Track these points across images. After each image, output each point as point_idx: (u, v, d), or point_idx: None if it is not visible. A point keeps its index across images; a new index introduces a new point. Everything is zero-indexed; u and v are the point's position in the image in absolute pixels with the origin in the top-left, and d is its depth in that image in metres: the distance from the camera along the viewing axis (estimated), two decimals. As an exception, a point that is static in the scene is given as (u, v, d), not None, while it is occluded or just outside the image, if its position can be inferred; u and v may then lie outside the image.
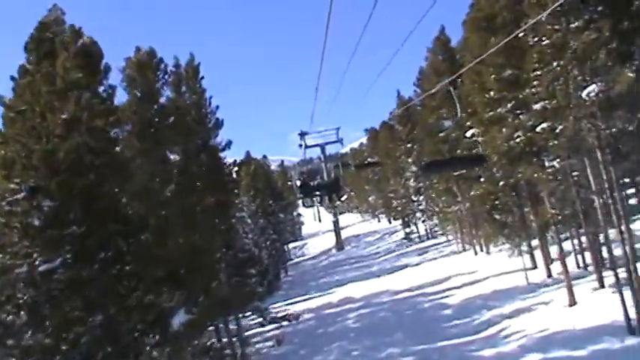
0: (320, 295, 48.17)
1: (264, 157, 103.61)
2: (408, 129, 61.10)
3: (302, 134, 15.92)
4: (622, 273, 22.22)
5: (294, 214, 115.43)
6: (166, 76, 26.11)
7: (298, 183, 16.22)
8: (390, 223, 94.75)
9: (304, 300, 48.01)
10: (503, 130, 28.89)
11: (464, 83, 34.71)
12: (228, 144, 27.91)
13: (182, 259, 19.18)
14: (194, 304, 19.40)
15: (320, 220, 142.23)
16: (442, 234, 62.69)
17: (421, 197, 62.09)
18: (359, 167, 52.87)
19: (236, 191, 57.35)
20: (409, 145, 61.31)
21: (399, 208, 72.31)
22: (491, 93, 28.83)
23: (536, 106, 24.66)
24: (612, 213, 22.68)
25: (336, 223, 75.69)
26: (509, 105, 28.73)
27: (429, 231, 66.64)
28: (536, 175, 28.01)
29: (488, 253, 43.68)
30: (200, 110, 27.46)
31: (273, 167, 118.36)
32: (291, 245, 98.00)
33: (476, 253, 45.83)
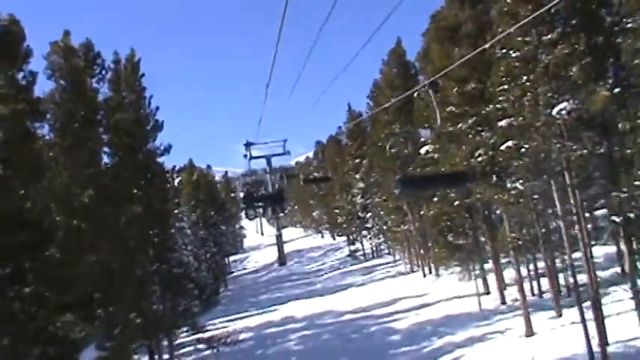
0: (260, 313, 45.68)
1: (209, 167, 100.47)
2: (358, 144, 59.55)
3: (247, 144, 15.60)
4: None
5: (237, 226, 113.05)
6: (103, 71, 23.44)
7: (242, 195, 16.07)
8: (334, 239, 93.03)
9: (243, 317, 45.42)
10: (463, 147, 27.36)
11: (421, 96, 33.20)
12: (168, 149, 25.30)
13: (100, 280, 16.41)
14: (110, 336, 16.69)
15: (262, 234, 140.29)
16: (389, 253, 61.09)
17: (368, 214, 60.45)
18: (308, 182, 50.83)
19: (176, 200, 54.80)
20: (357, 161, 59.68)
21: (345, 225, 70.53)
22: (452, 107, 27.16)
23: (502, 123, 23.15)
24: (579, 239, 21.33)
25: (278, 237, 73.21)
26: (470, 121, 27.25)
27: (374, 249, 64.89)
28: (496, 196, 26.48)
29: (437, 275, 42.08)
30: (138, 110, 24.79)
31: (217, 178, 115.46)
32: (232, 258, 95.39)
33: (424, 275, 44.21)
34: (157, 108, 25.09)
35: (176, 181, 65.27)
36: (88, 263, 15.25)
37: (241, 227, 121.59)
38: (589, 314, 20.22)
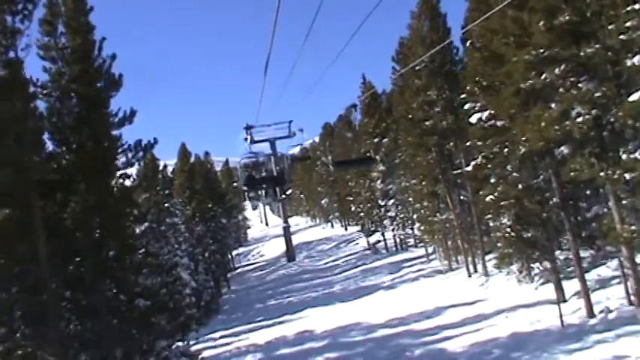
0: (270, 325, 37.92)
1: (207, 154, 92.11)
2: (376, 120, 51.53)
3: (248, 127, 15.00)
4: None
5: (240, 217, 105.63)
6: (30, 5, 15.66)
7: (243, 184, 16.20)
8: (346, 229, 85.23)
9: (249, 331, 37.77)
10: (553, 105, 19.40)
11: (476, 46, 25.37)
12: (130, 116, 17.11)
13: None
14: None
15: (267, 224, 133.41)
16: (416, 246, 52.62)
17: (390, 201, 52.43)
18: (341, 165, 43.68)
19: (167, 192, 47.09)
20: (377, 140, 51.55)
21: (361, 214, 62.40)
22: (540, 50, 18.99)
23: (634, 60, 15.27)
24: None
25: (286, 229, 66.05)
26: (557, 70, 19.26)
27: (399, 242, 56.42)
28: (602, 173, 18.53)
29: (487, 274, 33.98)
30: (86, 59, 16.68)
31: (218, 168, 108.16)
32: (235, 252, 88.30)
33: (469, 275, 36.03)
34: (113, 56, 16.90)
35: (169, 170, 57.73)
36: None
37: (245, 218, 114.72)
38: None
